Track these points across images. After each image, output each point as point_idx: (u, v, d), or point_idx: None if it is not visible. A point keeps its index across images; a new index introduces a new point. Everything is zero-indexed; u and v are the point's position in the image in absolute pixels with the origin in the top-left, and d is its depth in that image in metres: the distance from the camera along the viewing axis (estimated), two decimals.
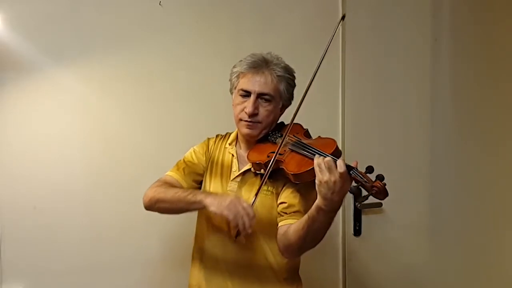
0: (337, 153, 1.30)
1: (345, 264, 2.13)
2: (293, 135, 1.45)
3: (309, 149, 1.33)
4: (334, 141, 1.36)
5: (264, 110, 1.45)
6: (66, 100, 1.79)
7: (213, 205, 1.32)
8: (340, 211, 2.09)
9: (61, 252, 1.79)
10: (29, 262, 1.76)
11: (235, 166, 1.51)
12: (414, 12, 2.18)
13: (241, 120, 1.46)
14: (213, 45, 1.91)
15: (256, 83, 1.43)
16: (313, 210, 1.24)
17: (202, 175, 1.57)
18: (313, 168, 1.24)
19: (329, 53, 1.45)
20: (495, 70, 2.32)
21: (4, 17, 1.69)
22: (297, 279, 1.53)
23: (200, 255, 1.54)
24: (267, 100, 1.44)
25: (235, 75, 1.49)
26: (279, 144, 1.39)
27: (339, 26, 1.42)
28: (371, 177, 1.21)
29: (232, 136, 1.58)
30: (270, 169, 1.36)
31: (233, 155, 1.53)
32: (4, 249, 1.73)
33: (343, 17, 1.42)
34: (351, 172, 1.21)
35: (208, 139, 1.62)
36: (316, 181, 1.22)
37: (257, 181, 1.45)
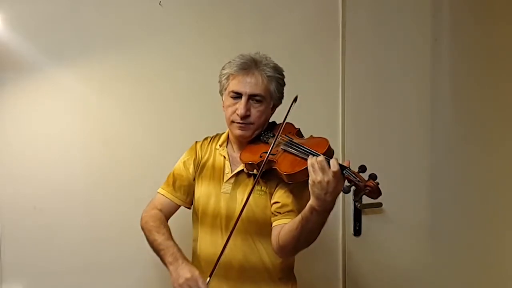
0: (329, 153, 1.30)
1: (345, 264, 2.13)
2: (285, 135, 1.45)
3: (301, 149, 1.33)
4: (327, 141, 1.36)
5: (255, 111, 1.45)
6: (66, 100, 1.79)
7: (171, 276, 1.40)
8: (340, 211, 2.12)
9: (61, 252, 1.79)
10: (29, 262, 1.76)
11: (227, 168, 1.50)
12: (414, 12, 2.17)
13: (233, 122, 1.46)
14: (213, 45, 1.91)
15: (247, 84, 1.43)
16: (307, 211, 1.25)
17: (193, 185, 1.57)
18: (306, 168, 1.24)
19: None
20: (495, 70, 2.32)
21: (4, 17, 1.69)
22: (292, 278, 1.53)
23: (196, 255, 1.54)
24: (258, 101, 1.44)
25: (224, 77, 1.49)
26: (271, 144, 1.40)
27: (292, 105, 1.45)
28: (364, 177, 1.21)
29: (223, 137, 1.57)
30: (263, 170, 1.36)
31: (224, 157, 1.52)
32: (4, 249, 1.73)
33: (295, 99, 1.45)
34: (344, 172, 1.21)
35: (196, 143, 1.62)
36: (310, 181, 1.22)
37: (251, 182, 1.45)
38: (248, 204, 1.37)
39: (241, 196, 1.45)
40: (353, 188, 1.20)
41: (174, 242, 1.46)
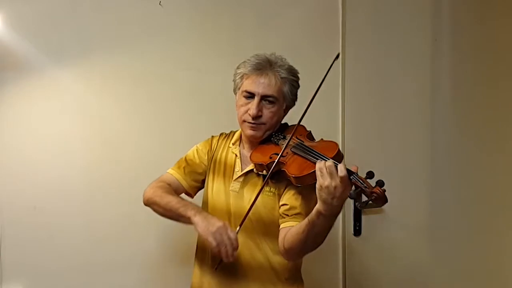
0: (338, 157, 1.30)
1: (345, 264, 2.13)
2: (296, 137, 1.45)
3: (311, 152, 1.33)
4: (336, 145, 1.36)
5: (268, 111, 1.44)
6: (66, 100, 1.79)
7: (199, 226, 1.34)
8: (340, 212, 2.12)
9: (61, 252, 1.79)
10: (29, 262, 1.76)
11: (238, 166, 1.51)
12: (414, 12, 2.18)
13: (244, 121, 1.46)
14: (213, 45, 1.91)
15: (260, 85, 1.43)
16: (313, 215, 1.25)
17: (202, 174, 1.57)
18: (314, 172, 1.24)
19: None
20: (495, 70, 2.32)
21: (4, 17, 1.69)
22: (298, 279, 1.53)
23: (201, 255, 1.54)
24: (271, 102, 1.44)
25: (239, 76, 1.48)
26: (282, 146, 1.40)
27: (333, 63, 1.44)
28: (371, 183, 1.20)
29: (236, 135, 1.58)
30: (272, 171, 1.36)
31: (236, 155, 1.53)
32: (4, 249, 1.73)
33: (337, 56, 1.44)
34: (351, 177, 1.20)
35: (212, 137, 1.62)
36: (317, 186, 1.22)
37: (259, 182, 1.45)
38: (256, 204, 1.37)
39: (248, 195, 1.44)
40: (355, 195, 1.20)
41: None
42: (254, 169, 1.46)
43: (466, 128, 2.29)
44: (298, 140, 1.43)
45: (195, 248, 1.59)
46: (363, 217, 2.13)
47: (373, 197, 1.18)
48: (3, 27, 1.68)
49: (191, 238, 1.59)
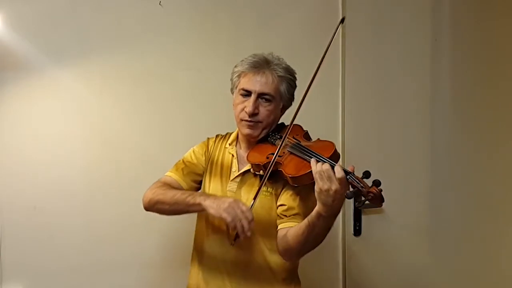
0: (335, 157, 1.30)
1: (345, 264, 2.13)
2: (293, 137, 1.45)
3: (307, 152, 1.33)
4: (333, 145, 1.36)
5: (264, 110, 1.45)
6: (66, 100, 1.79)
7: (211, 207, 1.32)
8: (340, 211, 2.12)
9: (61, 252, 1.79)
10: (29, 262, 1.76)
11: (235, 167, 1.51)
12: (414, 12, 2.18)
13: (241, 120, 1.46)
14: (213, 45, 1.91)
15: (257, 82, 1.43)
16: (313, 216, 1.25)
17: (201, 175, 1.57)
18: (311, 172, 1.24)
19: (329, 54, 1.45)
20: (495, 70, 2.32)
21: (4, 17, 1.69)
22: (295, 279, 1.53)
23: (199, 255, 1.54)
24: (267, 100, 1.44)
25: (236, 75, 1.49)
26: (278, 146, 1.39)
27: (338, 28, 1.43)
28: (367, 183, 1.21)
29: (233, 136, 1.58)
30: (269, 171, 1.36)
31: (233, 155, 1.53)
32: (4, 249, 1.73)
33: (342, 20, 1.43)
34: (348, 177, 1.21)
35: (208, 139, 1.62)
36: (316, 189, 1.22)
37: (257, 182, 1.45)
38: (253, 206, 1.37)
39: (245, 195, 1.44)
40: (352, 195, 1.20)
41: None
42: (251, 169, 1.46)
43: (466, 128, 2.29)
44: (295, 140, 1.43)
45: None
46: (363, 217, 2.13)
47: (369, 197, 1.18)
48: (3, 27, 1.69)
49: (191, 238, 1.59)
